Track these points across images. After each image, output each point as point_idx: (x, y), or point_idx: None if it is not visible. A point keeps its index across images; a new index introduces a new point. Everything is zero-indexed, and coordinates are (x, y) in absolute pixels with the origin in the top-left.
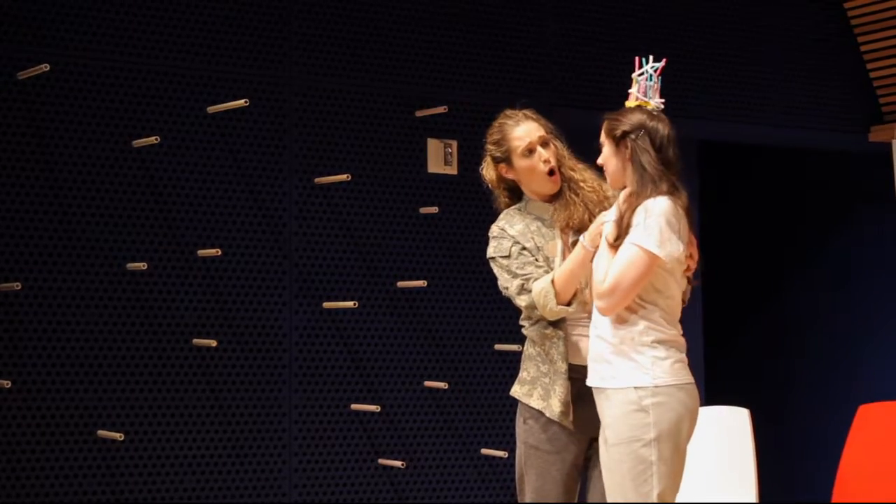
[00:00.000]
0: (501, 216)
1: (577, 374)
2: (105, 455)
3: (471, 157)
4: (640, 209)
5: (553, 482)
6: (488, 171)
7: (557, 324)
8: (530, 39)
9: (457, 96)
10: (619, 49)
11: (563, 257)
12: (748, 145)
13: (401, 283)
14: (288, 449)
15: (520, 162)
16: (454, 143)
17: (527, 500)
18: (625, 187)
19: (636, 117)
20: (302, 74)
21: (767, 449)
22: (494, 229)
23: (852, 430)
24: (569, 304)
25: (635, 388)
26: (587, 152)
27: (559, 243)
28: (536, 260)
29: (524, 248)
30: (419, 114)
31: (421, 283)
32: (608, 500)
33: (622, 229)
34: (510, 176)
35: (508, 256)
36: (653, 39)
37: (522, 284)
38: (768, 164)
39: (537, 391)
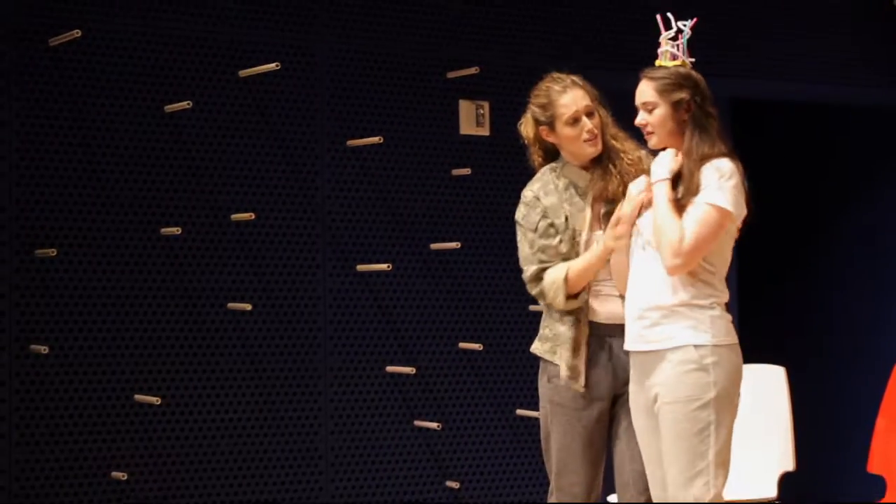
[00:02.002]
0: (537, 177)
1: (600, 332)
2: (142, 419)
3: (503, 118)
4: (709, 168)
5: (579, 438)
6: (526, 129)
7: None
8: (564, 3)
9: (488, 57)
10: (651, 9)
11: (592, 228)
12: (779, 103)
13: (434, 245)
14: (324, 412)
15: (563, 129)
16: (486, 105)
17: (552, 458)
18: (665, 148)
19: (691, 77)
20: (333, 37)
21: (803, 407)
22: (528, 194)
23: (889, 388)
24: (576, 296)
25: (695, 346)
26: (620, 113)
27: (588, 214)
28: (561, 240)
29: (552, 225)
30: (451, 75)
31: (454, 244)
32: (660, 459)
33: (692, 187)
34: (550, 139)
35: (535, 231)
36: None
37: (538, 273)
38: (801, 121)
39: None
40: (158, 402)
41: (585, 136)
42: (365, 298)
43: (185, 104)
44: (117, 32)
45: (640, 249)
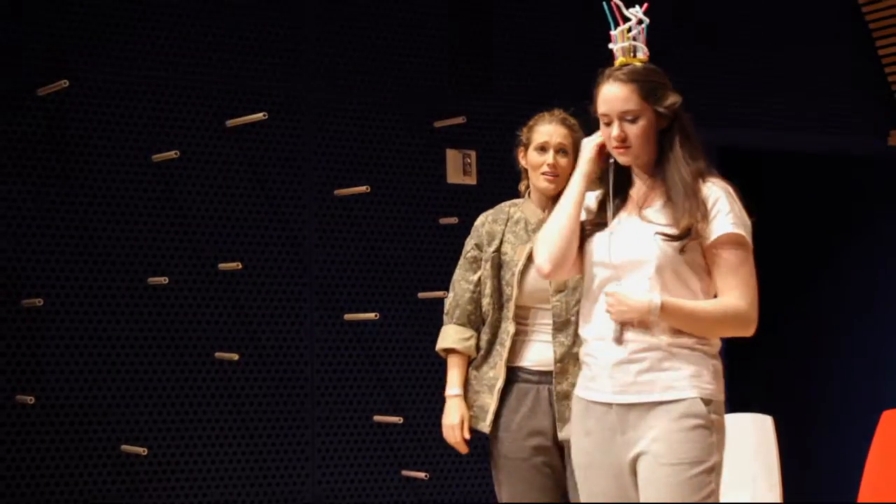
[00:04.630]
0: (498, 206)
1: (524, 378)
2: (129, 470)
3: (490, 166)
4: (715, 190)
5: (515, 472)
6: (519, 153)
7: (501, 334)
8: (548, 49)
9: (475, 106)
10: None
11: (529, 259)
12: (767, 151)
13: (422, 294)
14: (311, 461)
15: (531, 154)
16: (473, 154)
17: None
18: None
19: (667, 76)
20: (320, 86)
21: (791, 456)
22: (480, 217)
23: (876, 436)
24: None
25: (702, 399)
26: None
27: (528, 248)
28: (479, 279)
29: (478, 255)
30: (438, 124)
31: (442, 293)
32: None
33: (701, 210)
34: (523, 163)
35: (464, 258)
36: (671, 47)
37: (451, 308)
38: (787, 170)
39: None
40: (145, 453)
41: (545, 168)
42: (352, 348)
43: (172, 153)
44: (105, 82)
45: (610, 280)
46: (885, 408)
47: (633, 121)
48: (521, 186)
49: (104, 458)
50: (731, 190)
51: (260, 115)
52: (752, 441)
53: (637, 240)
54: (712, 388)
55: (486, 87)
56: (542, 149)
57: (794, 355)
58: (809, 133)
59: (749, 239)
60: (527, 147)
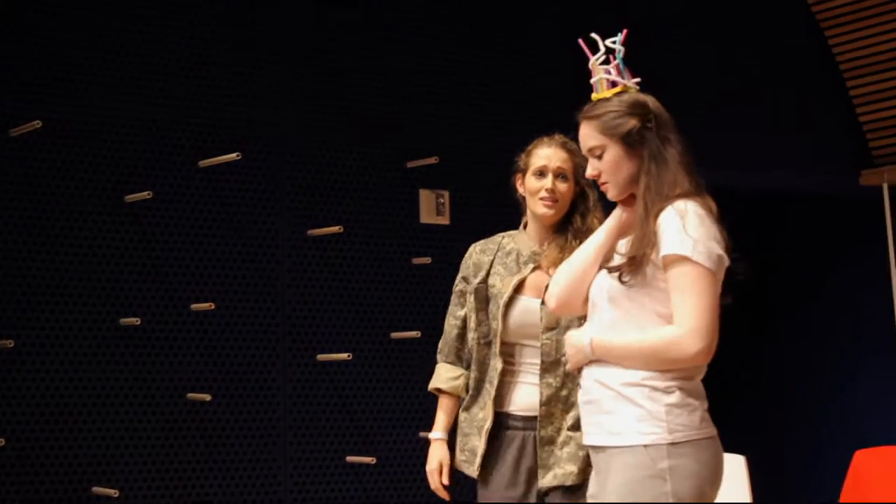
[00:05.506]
0: (492, 237)
1: (509, 424)
2: None
3: (463, 206)
4: (666, 214)
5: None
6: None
7: (490, 371)
8: (522, 89)
9: (448, 146)
10: None
11: (520, 293)
12: (736, 191)
13: (394, 335)
14: (284, 502)
15: (529, 179)
16: (446, 194)
17: None
18: (620, 200)
19: (638, 102)
20: (293, 127)
21: (764, 497)
22: (470, 248)
23: (849, 476)
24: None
25: (646, 446)
26: None
27: (517, 279)
28: (466, 314)
29: (465, 289)
30: (410, 164)
31: (415, 333)
32: None
33: (648, 236)
34: (521, 190)
35: (454, 291)
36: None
37: (442, 346)
38: (757, 209)
39: None
40: (116, 495)
41: (543, 193)
42: (325, 388)
43: (145, 194)
44: (77, 123)
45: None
46: (857, 447)
47: (600, 156)
48: (524, 219)
49: (75, 500)
50: (691, 210)
51: (233, 156)
52: (724, 481)
53: (601, 274)
54: (660, 431)
55: (459, 127)
56: (541, 173)
57: (765, 396)
58: (780, 173)
59: (701, 259)
60: (524, 173)
